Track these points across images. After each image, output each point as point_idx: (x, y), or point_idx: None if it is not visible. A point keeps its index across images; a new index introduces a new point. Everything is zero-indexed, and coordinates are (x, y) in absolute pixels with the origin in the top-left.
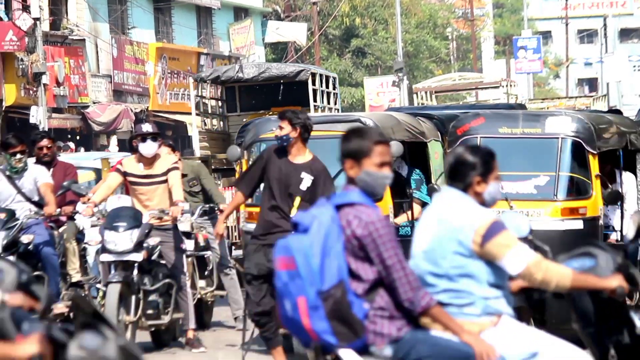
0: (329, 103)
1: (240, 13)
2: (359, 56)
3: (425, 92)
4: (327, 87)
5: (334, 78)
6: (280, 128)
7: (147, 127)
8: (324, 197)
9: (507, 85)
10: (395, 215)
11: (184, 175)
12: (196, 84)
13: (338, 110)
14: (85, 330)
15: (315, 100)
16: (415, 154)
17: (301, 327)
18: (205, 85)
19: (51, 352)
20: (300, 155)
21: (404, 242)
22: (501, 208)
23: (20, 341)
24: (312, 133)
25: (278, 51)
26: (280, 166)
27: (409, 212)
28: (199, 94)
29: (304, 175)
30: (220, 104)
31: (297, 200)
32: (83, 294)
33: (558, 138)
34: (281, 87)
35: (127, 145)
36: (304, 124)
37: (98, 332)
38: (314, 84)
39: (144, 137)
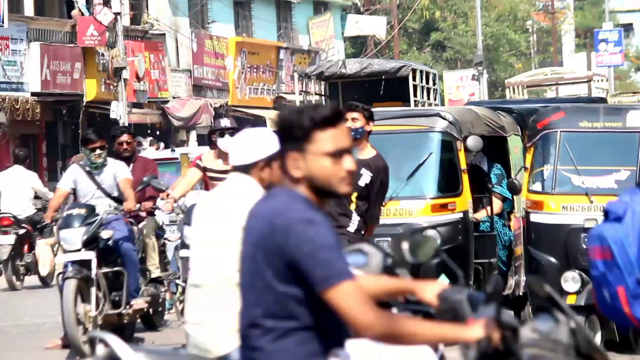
0: (428, 98)
1: (320, 7)
2: (438, 50)
3: (517, 87)
4: (427, 82)
5: (434, 74)
6: (354, 120)
7: (225, 122)
8: (378, 197)
9: (598, 80)
10: (475, 211)
11: None
12: (300, 79)
13: (437, 105)
14: (539, 314)
15: (415, 96)
16: (494, 148)
17: (622, 315)
18: (309, 81)
19: (500, 336)
20: (363, 150)
21: (484, 237)
22: (581, 203)
23: (471, 324)
24: (392, 127)
25: (357, 45)
26: None
27: (489, 208)
28: (303, 89)
29: (363, 171)
30: (323, 99)
31: (354, 196)
32: (162, 290)
33: (639, 132)
34: (382, 83)
35: (207, 140)
36: (372, 116)
37: (551, 316)
38: (414, 79)
39: (222, 132)
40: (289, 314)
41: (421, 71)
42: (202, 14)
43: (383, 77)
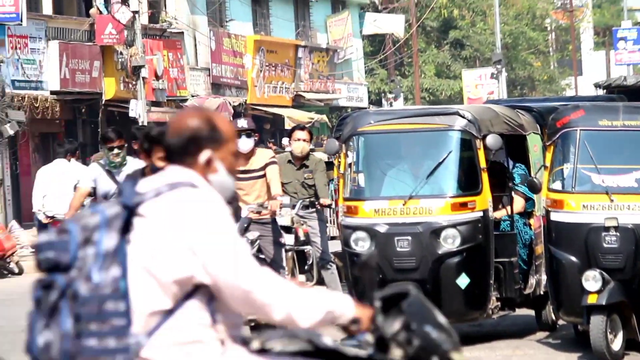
0: None
1: (338, 5)
2: (457, 48)
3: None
4: None
5: None
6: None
7: (242, 123)
8: None
9: None
10: (495, 209)
11: (306, 167)
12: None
13: None
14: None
15: None
16: (514, 146)
17: None
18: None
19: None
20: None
21: (504, 236)
22: (602, 202)
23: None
24: (410, 126)
25: (375, 43)
26: None
27: (509, 206)
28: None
29: None
30: None
31: None
32: None
33: None
34: None
35: None
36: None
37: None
38: None
39: (239, 132)
40: None
41: None
42: (220, 12)
43: None
